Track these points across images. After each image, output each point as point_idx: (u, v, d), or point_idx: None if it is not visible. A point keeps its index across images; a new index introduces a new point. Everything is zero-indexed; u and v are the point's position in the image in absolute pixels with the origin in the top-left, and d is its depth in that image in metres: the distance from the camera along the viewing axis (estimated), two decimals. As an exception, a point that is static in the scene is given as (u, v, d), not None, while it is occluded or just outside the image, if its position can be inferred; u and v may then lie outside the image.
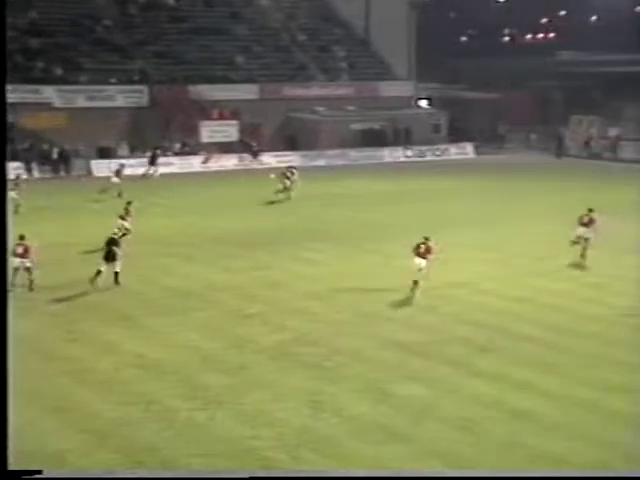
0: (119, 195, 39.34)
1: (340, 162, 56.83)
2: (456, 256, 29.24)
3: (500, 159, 58.24)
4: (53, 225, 34.94)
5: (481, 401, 17.11)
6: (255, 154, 56.52)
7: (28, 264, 24.52)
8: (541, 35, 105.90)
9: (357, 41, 69.02)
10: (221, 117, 58.47)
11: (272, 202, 40.82)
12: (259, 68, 63.15)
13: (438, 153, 59.31)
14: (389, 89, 64.70)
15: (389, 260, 29.09)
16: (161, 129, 54.72)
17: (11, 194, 33.12)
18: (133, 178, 45.54)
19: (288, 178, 41.72)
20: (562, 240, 29.73)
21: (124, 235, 27.94)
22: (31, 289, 24.59)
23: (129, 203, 31.42)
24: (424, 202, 41.31)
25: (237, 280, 26.77)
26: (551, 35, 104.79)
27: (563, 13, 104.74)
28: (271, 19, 67.08)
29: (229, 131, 58.16)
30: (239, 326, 22.21)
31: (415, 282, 24.58)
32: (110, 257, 25.31)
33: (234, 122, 58.27)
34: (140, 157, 51.61)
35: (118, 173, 43.05)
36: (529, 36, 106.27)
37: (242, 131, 58.18)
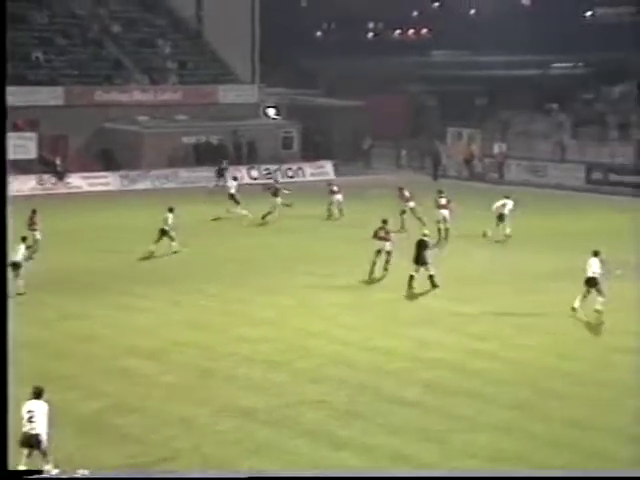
0: None
1: (169, 185, 56.52)
2: (309, 300, 29.65)
3: (366, 181, 58.92)
4: None
5: None
6: (60, 175, 55.58)
7: (389, 247, 31.82)
8: (412, 31, 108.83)
9: (188, 34, 69.10)
10: (14, 127, 57.30)
11: (98, 233, 40.20)
12: (64, 66, 62.40)
13: (290, 174, 59.72)
14: (229, 94, 64.97)
15: (229, 305, 29.21)
16: None
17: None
18: None
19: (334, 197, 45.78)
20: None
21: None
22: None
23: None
24: (273, 235, 41.54)
25: (39, 334, 26.26)
26: (424, 31, 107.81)
27: (437, 5, 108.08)
28: (77, 4, 66.42)
29: (25, 145, 56.97)
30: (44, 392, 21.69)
31: None
32: (420, 261, 30.26)
33: (31, 134, 57.22)
34: None
35: None
36: (398, 32, 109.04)
37: (42, 145, 57.24)
